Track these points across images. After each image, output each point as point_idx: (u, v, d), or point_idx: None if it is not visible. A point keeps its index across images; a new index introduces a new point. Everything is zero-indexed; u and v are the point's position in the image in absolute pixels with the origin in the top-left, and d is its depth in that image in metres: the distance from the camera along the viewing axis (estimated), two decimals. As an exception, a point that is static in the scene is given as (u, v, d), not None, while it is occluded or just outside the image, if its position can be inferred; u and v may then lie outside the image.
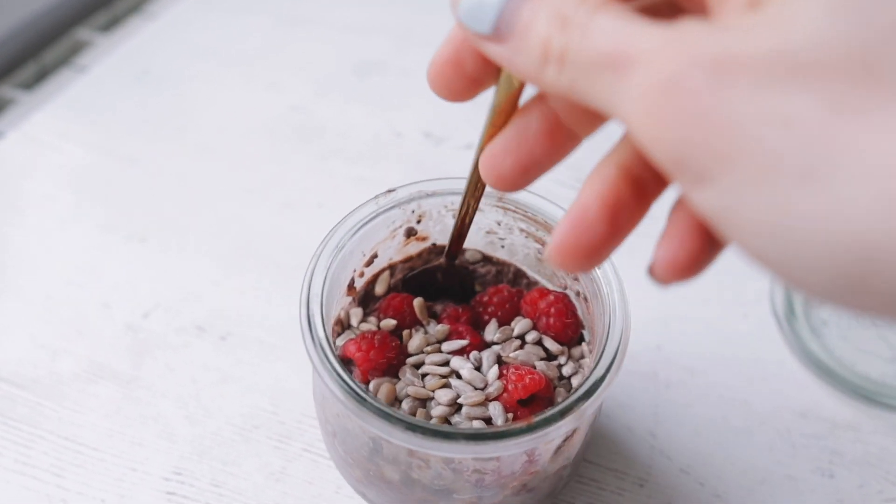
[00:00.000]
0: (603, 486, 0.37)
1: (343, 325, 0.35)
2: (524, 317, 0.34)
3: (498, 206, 0.34)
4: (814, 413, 0.40)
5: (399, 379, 0.32)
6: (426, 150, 0.54)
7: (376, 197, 0.34)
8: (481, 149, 0.24)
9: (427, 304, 0.35)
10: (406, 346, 0.33)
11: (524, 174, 0.22)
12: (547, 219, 0.33)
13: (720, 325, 0.44)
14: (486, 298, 0.35)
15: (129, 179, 0.52)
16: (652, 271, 0.20)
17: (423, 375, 0.32)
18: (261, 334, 0.43)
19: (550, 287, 0.36)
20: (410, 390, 0.31)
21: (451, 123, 0.56)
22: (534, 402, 0.31)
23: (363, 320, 0.34)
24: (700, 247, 0.19)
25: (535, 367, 0.32)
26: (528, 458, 0.30)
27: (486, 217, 0.35)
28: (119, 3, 0.68)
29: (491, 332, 0.34)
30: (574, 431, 0.30)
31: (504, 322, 0.34)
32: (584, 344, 0.34)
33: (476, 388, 0.31)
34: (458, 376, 0.32)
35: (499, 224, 0.35)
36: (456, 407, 0.31)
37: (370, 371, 0.32)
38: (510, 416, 0.30)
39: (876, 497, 0.37)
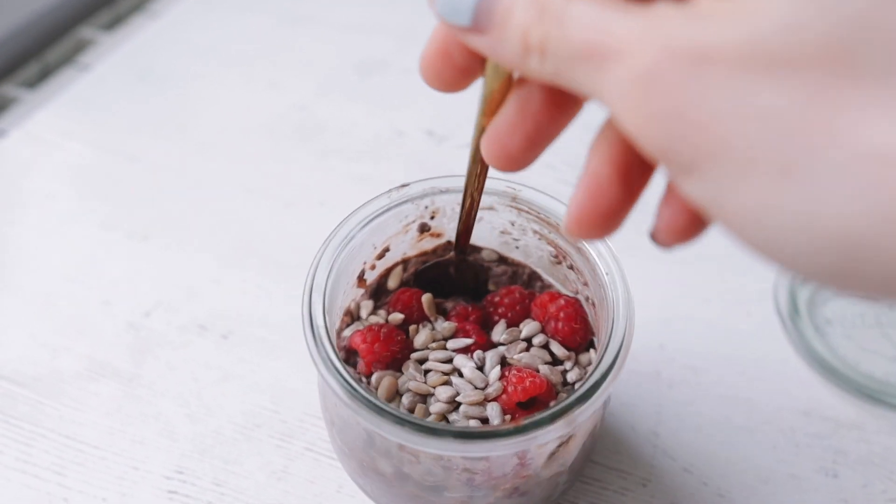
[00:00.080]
0: (606, 486, 0.37)
1: (353, 316, 0.35)
2: (534, 319, 0.34)
3: (511, 206, 0.34)
4: (817, 412, 0.40)
5: (402, 373, 0.32)
6: (428, 149, 0.54)
7: (389, 191, 0.34)
8: (478, 137, 0.23)
9: (438, 301, 0.35)
10: (412, 341, 0.33)
11: (532, 148, 0.22)
12: (560, 221, 0.33)
13: (723, 324, 0.44)
14: (497, 299, 0.35)
15: (130, 177, 0.52)
16: (654, 235, 0.21)
17: (426, 371, 0.32)
18: (262, 333, 0.43)
19: (563, 291, 0.35)
20: (412, 385, 0.31)
21: (453, 122, 0.55)
22: (534, 406, 0.31)
23: (373, 313, 0.35)
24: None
25: (538, 371, 0.31)
26: (520, 461, 0.29)
27: (500, 216, 0.35)
28: (122, 1, 0.69)
29: (498, 332, 0.34)
30: (570, 438, 0.30)
31: (513, 323, 0.34)
32: (592, 351, 0.34)
33: (476, 388, 0.31)
34: (460, 374, 0.32)
35: (512, 224, 0.35)
36: (454, 405, 0.31)
37: (374, 363, 0.32)
38: (508, 418, 0.30)
39: (880, 497, 0.37)
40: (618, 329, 0.29)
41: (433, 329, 0.33)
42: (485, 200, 0.34)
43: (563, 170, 0.51)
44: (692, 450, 0.39)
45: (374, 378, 0.32)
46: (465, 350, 0.32)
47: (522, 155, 0.22)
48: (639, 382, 0.41)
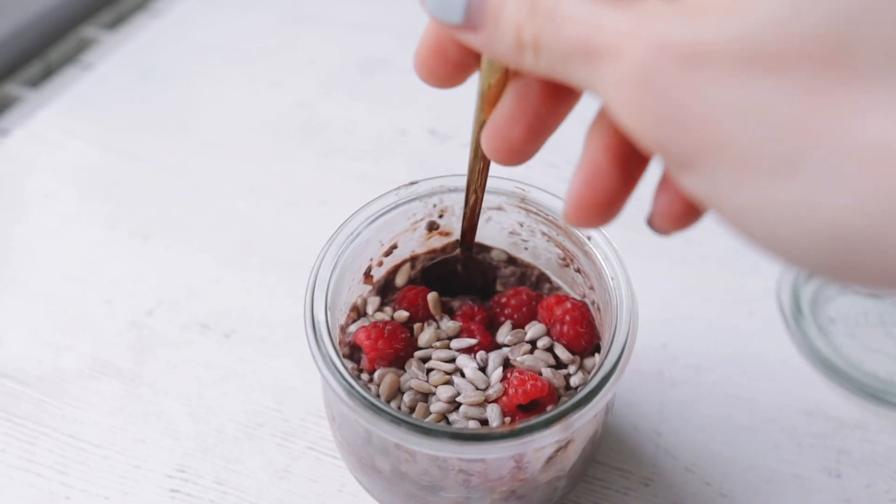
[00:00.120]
0: (608, 485, 0.37)
1: (359, 312, 0.35)
2: (540, 322, 0.34)
3: (520, 207, 0.34)
4: (820, 412, 0.40)
5: (405, 371, 0.32)
6: (430, 148, 0.54)
7: (398, 188, 0.34)
8: (478, 133, 0.23)
9: (444, 300, 0.35)
10: (416, 339, 0.33)
11: (534, 139, 0.22)
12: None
13: (726, 323, 0.44)
14: (504, 300, 0.34)
15: (133, 177, 0.52)
16: (651, 221, 0.21)
17: (429, 370, 0.32)
18: (264, 332, 0.43)
19: (572, 294, 0.35)
20: (414, 383, 0.31)
21: (455, 121, 0.55)
22: (536, 410, 0.30)
23: (378, 309, 0.34)
24: None
25: (540, 374, 0.31)
26: (517, 464, 0.29)
27: (509, 217, 0.35)
28: (124, 0, 0.69)
29: (503, 333, 0.33)
30: (568, 443, 0.30)
31: (519, 325, 0.34)
32: (597, 355, 0.33)
33: (477, 389, 0.31)
34: (462, 375, 0.31)
35: (521, 225, 0.35)
36: (455, 405, 0.31)
37: (377, 360, 0.32)
38: (508, 420, 0.30)
39: (883, 497, 0.37)
40: (620, 335, 0.29)
41: (438, 328, 0.33)
42: (493, 200, 0.34)
43: (565, 168, 0.51)
44: (695, 449, 0.38)
45: (376, 375, 0.32)
46: (469, 350, 0.32)
47: (524, 147, 0.22)
48: (641, 382, 0.41)
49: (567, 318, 0.33)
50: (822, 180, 0.15)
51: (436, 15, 0.20)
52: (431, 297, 0.34)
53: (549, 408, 0.30)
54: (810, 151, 0.15)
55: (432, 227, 0.36)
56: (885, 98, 0.14)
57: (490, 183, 0.32)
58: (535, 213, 0.34)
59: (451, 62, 0.22)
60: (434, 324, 0.34)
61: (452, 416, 0.30)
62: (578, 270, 0.34)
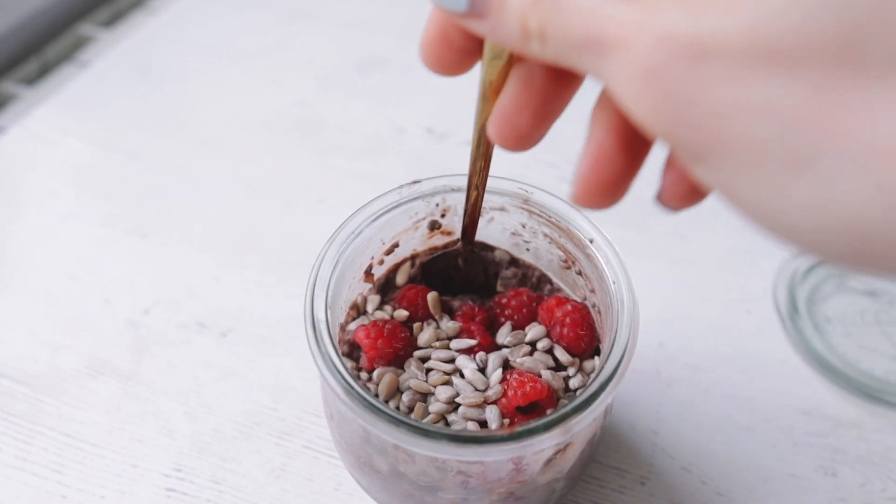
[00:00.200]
0: (604, 484, 0.37)
1: (359, 310, 0.35)
2: (540, 323, 0.34)
3: (523, 209, 0.34)
4: (817, 411, 0.40)
5: (404, 370, 0.32)
6: (428, 147, 0.54)
7: (400, 187, 0.34)
8: (480, 127, 0.23)
9: (445, 299, 0.35)
10: (416, 339, 0.33)
11: (541, 123, 0.22)
12: (570, 225, 0.33)
13: (723, 323, 0.44)
14: (504, 300, 0.34)
15: (130, 175, 0.52)
16: (660, 198, 0.21)
17: (428, 370, 0.32)
18: (262, 331, 0.43)
19: (573, 296, 0.35)
20: (413, 383, 0.31)
21: (453, 119, 0.55)
22: (535, 411, 0.30)
23: (378, 308, 0.34)
24: None
25: (540, 376, 0.31)
26: (515, 466, 0.29)
27: (511, 218, 0.35)
28: (121, -2, 0.68)
29: (503, 335, 0.33)
30: (567, 445, 0.30)
31: (519, 326, 0.34)
32: (596, 358, 0.33)
33: (476, 390, 0.31)
34: (461, 375, 0.31)
35: (524, 226, 0.35)
36: (454, 406, 0.31)
37: (376, 359, 0.32)
38: (506, 421, 0.30)
39: (879, 495, 0.37)
40: (620, 339, 0.29)
41: (437, 328, 0.33)
42: (496, 201, 0.34)
43: (565, 167, 0.51)
44: (691, 448, 0.39)
45: (375, 374, 0.32)
46: (469, 351, 0.32)
47: (532, 133, 0.22)
48: (639, 381, 0.41)
49: (567, 320, 0.32)
50: (836, 175, 0.15)
51: (440, 4, 0.20)
52: (431, 296, 0.34)
53: (548, 410, 0.30)
54: (824, 148, 0.15)
55: (434, 226, 0.36)
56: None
57: (493, 184, 0.32)
58: (538, 215, 0.34)
59: (456, 48, 0.22)
60: (434, 323, 0.34)
61: (451, 417, 0.30)
62: (580, 273, 0.34)
